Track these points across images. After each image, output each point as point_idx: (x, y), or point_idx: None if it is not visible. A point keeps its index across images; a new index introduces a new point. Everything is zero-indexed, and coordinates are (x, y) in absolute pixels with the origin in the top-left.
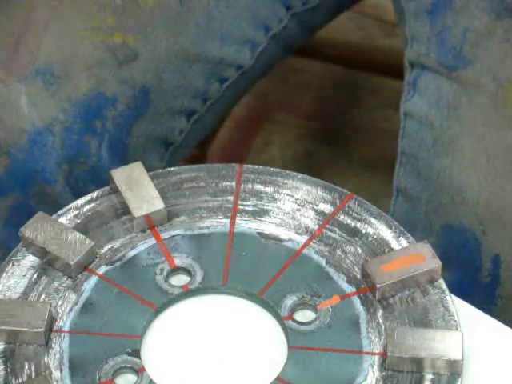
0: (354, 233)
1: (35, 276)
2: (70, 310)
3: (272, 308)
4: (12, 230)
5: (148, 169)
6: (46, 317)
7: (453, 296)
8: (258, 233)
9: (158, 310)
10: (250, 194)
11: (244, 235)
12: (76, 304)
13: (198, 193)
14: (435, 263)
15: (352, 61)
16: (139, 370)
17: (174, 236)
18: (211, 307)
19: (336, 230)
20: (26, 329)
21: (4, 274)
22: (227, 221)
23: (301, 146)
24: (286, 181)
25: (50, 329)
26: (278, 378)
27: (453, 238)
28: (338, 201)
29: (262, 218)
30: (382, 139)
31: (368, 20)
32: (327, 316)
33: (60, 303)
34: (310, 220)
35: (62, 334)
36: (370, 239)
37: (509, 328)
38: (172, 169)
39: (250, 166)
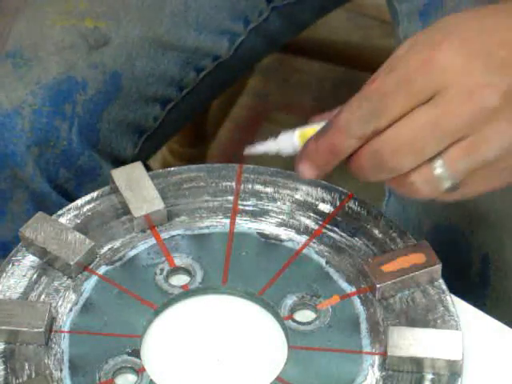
0: (353, 233)
1: (35, 276)
2: (70, 310)
3: (272, 308)
4: None
5: (120, 155)
6: (46, 317)
7: (453, 296)
8: (258, 233)
9: (158, 310)
10: (250, 193)
11: (244, 235)
12: (76, 304)
13: (198, 193)
14: (435, 263)
15: (352, 61)
16: (139, 370)
17: (174, 236)
18: (211, 307)
19: (336, 229)
20: (25, 329)
21: (4, 274)
22: (227, 221)
23: None
24: (285, 181)
25: (50, 329)
26: (277, 378)
27: (443, 238)
28: (337, 201)
29: (262, 218)
30: None
31: (368, 20)
32: (327, 316)
33: (60, 303)
34: (310, 220)
35: (62, 334)
36: (369, 239)
37: (509, 328)
38: (172, 169)
39: (249, 166)
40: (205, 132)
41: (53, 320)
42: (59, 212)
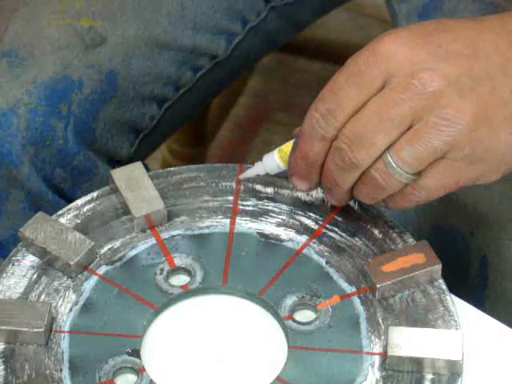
0: (353, 233)
1: (35, 276)
2: (70, 309)
3: (272, 308)
4: None
5: (117, 154)
6: (45, 317)
7: (453, 296)
8: (258, 233)
9: (158, 310)
10: (250, 194)
11: (244, 235)
12: (76, 304)
13: (198, 193)
14: (435, 263)
15: None
16: (139, 370)
17: (174, 236)
18: (211, 307)
19: (336, 230)
20: (26, 329)
21: (4, 274)
22: (227, 221)
23: None
24: (285, 181)
25: (50, 329)
26: (277, 378)
27: (442, 239)
28: None
29: (262, 218)
30: None
31: (368, 20)
32: (327, 316)
33: (60, 303)
34: (310, 220)
35: (62, 334)
36: (369, 239)
37: (509, 328)
38: (172, 169)
39: (250, 166)
40: (205, 132)
41: (53, 320)
42: (59, 212)
